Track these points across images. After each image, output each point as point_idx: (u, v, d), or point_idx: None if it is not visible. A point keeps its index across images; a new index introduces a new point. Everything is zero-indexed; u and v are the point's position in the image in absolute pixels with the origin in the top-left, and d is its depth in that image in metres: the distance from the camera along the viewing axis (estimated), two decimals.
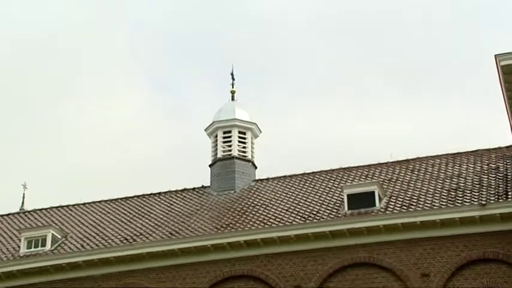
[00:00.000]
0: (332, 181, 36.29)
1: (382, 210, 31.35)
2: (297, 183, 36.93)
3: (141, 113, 71.36)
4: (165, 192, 39.43)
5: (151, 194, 39.53)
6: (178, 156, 65.99)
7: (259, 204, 35.26)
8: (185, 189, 39.35)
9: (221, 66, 69.50)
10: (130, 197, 39.64)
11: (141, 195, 39.56)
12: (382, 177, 35.26)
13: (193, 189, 39.22)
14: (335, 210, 32.49)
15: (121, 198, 39.70)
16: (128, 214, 37.43)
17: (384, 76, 69.51)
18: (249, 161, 39.28)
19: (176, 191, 39.34)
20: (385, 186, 33.74)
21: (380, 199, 32.17)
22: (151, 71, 75.44)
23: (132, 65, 74.20)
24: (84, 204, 40.20)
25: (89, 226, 36.83)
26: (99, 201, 40.04)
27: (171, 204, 37.66)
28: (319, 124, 67.38)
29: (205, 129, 40.23)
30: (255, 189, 37.52)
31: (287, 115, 68.33)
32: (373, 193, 32.15)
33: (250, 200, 36.04)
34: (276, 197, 35.67)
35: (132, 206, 38.49)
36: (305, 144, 63.78)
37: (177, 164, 63.71)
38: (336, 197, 33.92)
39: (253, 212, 34.30)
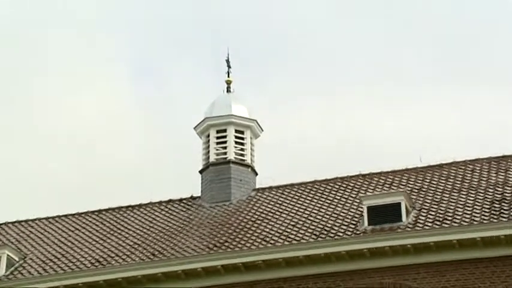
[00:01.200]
0: (349, 190, 35.99)
1: (410, 226, 31.02)
2: (306, 193, 36.58)
3: (124, 109, 71.65)
4: (146, 204, 39.08)
5: (129, 206, 39.17)
6: (163, 160, 65.95)
7: (261, 218, 34.95)
8: (170, 201, 39.04)
9: (218, 59, 70.27)
10: (104, 210, 39.30)
11: (116, 208, 39.21)
12: (410, 185, 34.94)
13: (181, 200, 38.93)
14: (353, 226, 32.20)
15: (92, 212, 39.36)
16: (101, 231, 37.19)
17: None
18: (248, 166, 39.00)
19: (160, 203, 39.00)
20: (414, 197, 33.42)
21: (407, 212, 31.85)
22: (138, 63, 76.40)
23: (114, 54, 74.85)
24: (47, 218, 39.71)
25: (53, 245, 36.50)
26: (65, 215, 39.62)
27: (154, 219, 37.37)
28: (329, 122, 67.64)
29: (195, 128, 39.87)
30: (255, 200, 37.26)
31: (293, 111, 68.28)
32: (399, 205, 31.85)
33: (250, 214, 35.77)
34: (281, 210, 35.33)
35: (106, 221, 38.19)
36: (314, 145, 63.73)
37: (161, 170, 63.66)
38: (353, 210, 33.62)
39: (253, 228, 34.01)
